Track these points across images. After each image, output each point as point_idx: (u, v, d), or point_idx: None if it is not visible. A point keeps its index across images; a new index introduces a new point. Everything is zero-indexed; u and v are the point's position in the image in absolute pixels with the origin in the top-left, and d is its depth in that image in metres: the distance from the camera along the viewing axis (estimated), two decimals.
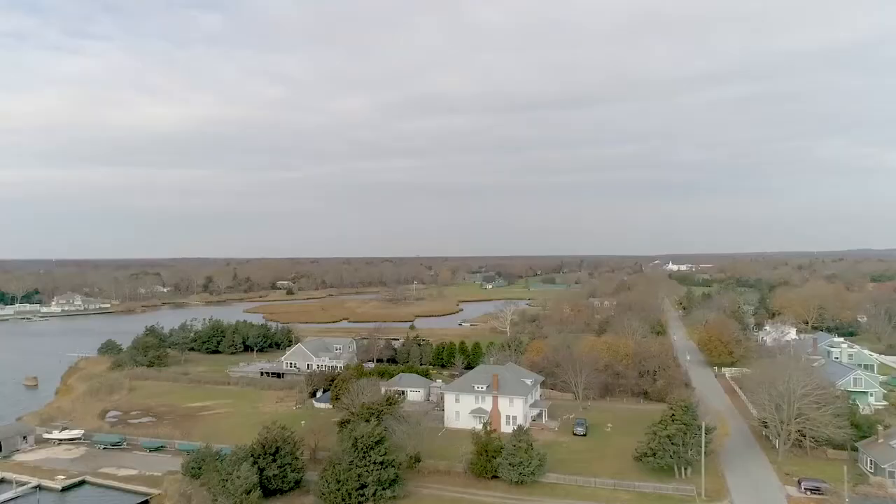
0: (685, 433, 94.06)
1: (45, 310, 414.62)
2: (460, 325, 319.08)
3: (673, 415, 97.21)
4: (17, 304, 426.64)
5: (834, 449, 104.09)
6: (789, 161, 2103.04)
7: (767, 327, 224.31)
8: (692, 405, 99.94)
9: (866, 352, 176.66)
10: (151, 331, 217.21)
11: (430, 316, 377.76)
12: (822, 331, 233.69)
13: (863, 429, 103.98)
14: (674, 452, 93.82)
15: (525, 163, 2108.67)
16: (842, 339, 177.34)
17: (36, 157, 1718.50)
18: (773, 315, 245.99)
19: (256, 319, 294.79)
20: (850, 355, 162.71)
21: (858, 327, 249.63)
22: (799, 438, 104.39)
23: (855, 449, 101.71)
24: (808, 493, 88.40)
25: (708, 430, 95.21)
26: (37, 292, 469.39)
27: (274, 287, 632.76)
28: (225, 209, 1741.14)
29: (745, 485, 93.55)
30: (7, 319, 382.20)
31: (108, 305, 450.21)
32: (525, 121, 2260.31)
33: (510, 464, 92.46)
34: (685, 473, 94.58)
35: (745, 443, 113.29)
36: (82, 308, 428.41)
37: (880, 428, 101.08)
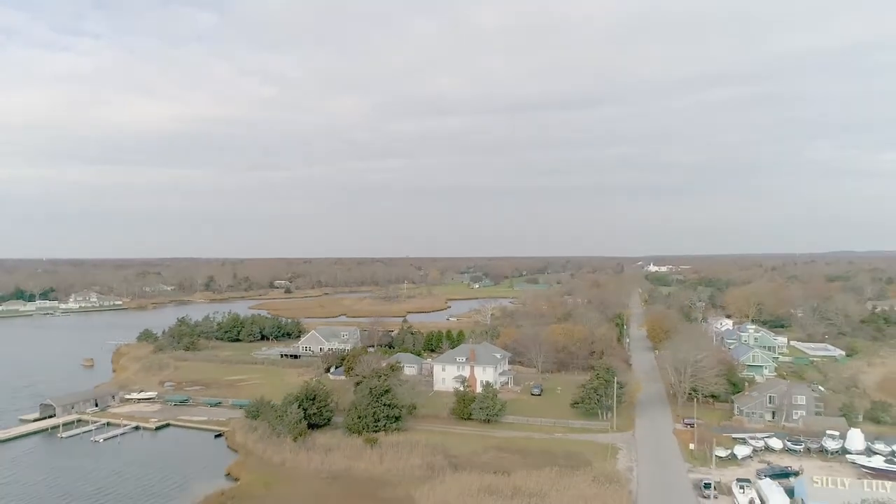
0: (605, 387, 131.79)
1: (63, 306, 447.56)
2: (448, 319, 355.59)
3: (598, 374, 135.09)
4: (37, 301, 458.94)
5: (718, 401, 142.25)
6: (782, 163, 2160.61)
7: (710, 319, 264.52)
8: (612, 368, 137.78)
9: (776, 338, 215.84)
10: (183, 321, 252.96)
11: (420, 312, 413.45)
12: (760, 323, 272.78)
13: (738, 386, 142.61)
14: (597, 400, 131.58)
15: (518, 164, 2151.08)
16: (753, 327, 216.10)
17: (24, 155, 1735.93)
18: (716, 309, 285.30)
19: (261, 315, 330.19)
20: (756, 339, 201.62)
21: (792, 320, 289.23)
22: (692, 393, 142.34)
23: (732, 401, 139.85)
24: (688, 426, 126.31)
25: (621, 386, 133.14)
26: (52, 290, 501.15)
27: (272, 286, 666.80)
28: (217, 209, 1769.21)
29: (648, 422, 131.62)
30: (31, 315, 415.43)
31: (121, 302, 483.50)
32: (518, 122, 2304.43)
33: (480, 407, 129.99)
34: (605, 416, 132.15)
35: (658, 398, 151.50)
36: (98, 305, 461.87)
37: (747, 384, 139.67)
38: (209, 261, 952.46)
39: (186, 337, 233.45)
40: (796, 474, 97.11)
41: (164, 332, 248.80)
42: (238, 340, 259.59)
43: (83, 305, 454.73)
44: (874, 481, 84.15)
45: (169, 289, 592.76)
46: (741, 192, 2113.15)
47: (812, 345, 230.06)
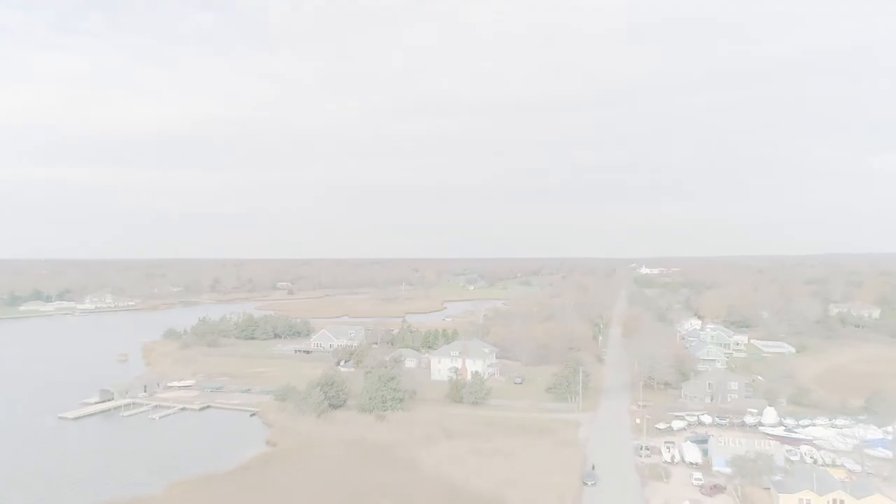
0: (574, 375, 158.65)
1: (80, 307, 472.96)
2: (444, 320, 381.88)
3: (567, 365, 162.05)
4: (55, 302, 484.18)
5: (670, 388, 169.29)
6: (781, 164, 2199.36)
7: (680, 320, 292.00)
8: (579, 359, 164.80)
9: (732, 336, 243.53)
10: (204, 321, 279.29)
11: (418, 313, 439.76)
12: (729, 323, 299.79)
13: (686, 375, 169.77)
14: (566, 387, 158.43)
15: (517, 165, 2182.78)
16: (712, 326, 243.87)
17: (24, 155, 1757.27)
18: (690, 310, 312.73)
19: (273, 315, 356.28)
20: (713, 336, 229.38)
21: (758, 321, 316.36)
22: (649, 381, 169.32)
23: (681, 387, 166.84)
24: (641, 407, 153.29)
25: (586, 375, 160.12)
26: (67, 291, 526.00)
27: (275, 287, 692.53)
28: (217, 209, 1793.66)
29: (610, 405, 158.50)
30: (51, 315, 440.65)
31: (133, 303, 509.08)
32: (517, 123, 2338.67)
33: (470, 392, 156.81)
34: (574, 400, 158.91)
35: (622, 386, 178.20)
36: (113, 305, 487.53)
37: (693, 374, 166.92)
38: (210, 262, 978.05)
39: (209, 335, 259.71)
40: None
41: (185, 331, 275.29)
42: (253, 338, 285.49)
43: (99, 306, 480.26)
44: (762, 440, 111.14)
45: (176, 290, 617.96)
46: (739, 194, 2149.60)
47: (770, 342, 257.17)
